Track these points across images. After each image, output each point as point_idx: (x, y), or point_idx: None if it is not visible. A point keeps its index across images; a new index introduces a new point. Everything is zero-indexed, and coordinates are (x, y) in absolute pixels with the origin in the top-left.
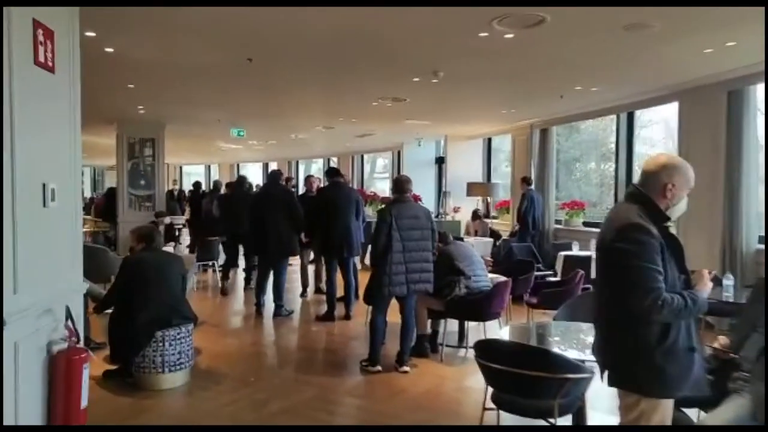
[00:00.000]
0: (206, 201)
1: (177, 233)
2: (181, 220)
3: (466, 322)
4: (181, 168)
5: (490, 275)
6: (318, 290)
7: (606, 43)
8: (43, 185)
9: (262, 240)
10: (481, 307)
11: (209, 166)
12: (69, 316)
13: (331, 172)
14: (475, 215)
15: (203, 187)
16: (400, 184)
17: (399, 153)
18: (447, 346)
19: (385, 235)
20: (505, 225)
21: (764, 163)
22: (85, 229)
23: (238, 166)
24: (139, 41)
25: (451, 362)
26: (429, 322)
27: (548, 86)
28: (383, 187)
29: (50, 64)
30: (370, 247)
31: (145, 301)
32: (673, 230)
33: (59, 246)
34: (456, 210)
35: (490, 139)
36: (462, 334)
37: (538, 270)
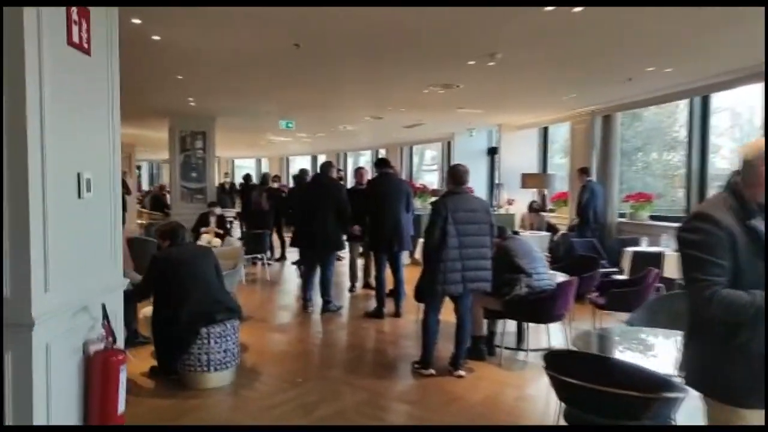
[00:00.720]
0: (255, 193)
1: (229, 225)
2: (231, 212)
3: (525, 323)
4: (233, 161)
5: (549, 272)
6: (366, 285)
7: (688, 15)
8: (78, 175)
9: (309, 233)
10: (544, 307)
11: (260, 160)
12: (105, 315)
13: (381, 163)
14: (531, 208)
15: (253, 180)
16: (458, 175)
17: (449, 144)
18: (505, 348)
19: (440, 230)
20: (561, 218)
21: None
22: (139, 222)
23: (287, 159)
24: (185, 29)
25: (510, 366)
26: (485, 322)
27: (616, 68)
28: (432, 180)
29: (86, 45)
30: (421, 240)
31: (184, 297)
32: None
33: (96, 240)
34: (510, 202)
35: (546, 128)
36: (521, 335)
37: (602, 267)
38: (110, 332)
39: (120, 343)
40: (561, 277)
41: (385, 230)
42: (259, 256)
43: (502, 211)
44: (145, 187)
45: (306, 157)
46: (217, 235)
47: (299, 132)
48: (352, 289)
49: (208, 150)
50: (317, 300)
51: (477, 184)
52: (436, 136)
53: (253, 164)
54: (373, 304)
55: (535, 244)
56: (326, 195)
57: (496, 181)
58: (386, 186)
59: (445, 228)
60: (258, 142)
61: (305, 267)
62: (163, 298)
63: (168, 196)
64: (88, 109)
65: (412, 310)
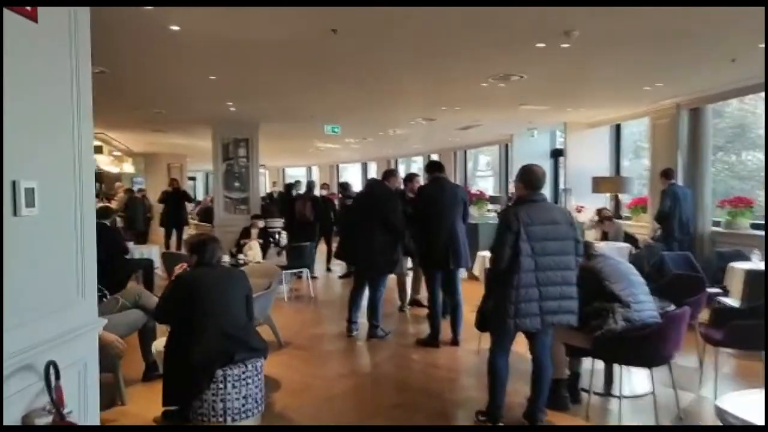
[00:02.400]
0: (299, 203)
1: (277, 236)
2: (278, 223)
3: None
4: (283, 170)
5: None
6: (415, 303)
7: None
8: (13, 184)
9: (352, 249)
10: (648, 347)
11: (310, 168)
12: (52, 376)
13: (432, 167)
14: (602, 215)
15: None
16: (534, 177)
17: (507, 146)
18: (594, 393)
19: (511, 248)
20: (640, 227)
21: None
22: (192, 232)
23: (337, 167)
24: (204, 14)
25: (602, 417)
26: (567, 361)
27: (721, 43)
28: (486, 186)
29: (28, 8)
30: (480, 254)
31: (199, 330)
32: None
33: (49, 272)
34: (579, 209)
35: (618, 126)
36: (610, 376)
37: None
38: (61, 399)
39: (78, 413)
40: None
41: (439, 244)
42: (302, 270)
43: None
44: (200, 197)
45: (356, 165)
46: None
47: (346, 137)
48: (402, 308)
49: (252, 158)
50: (363, 321)
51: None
52: (493, 138)
53: (304, 173)
54: (425, 327)
55: (626, 263)
56: (373, 206)
57: (563, 186)
58: (439, 193)
59: (517, 246)
60: (306, 149)
61: (353, 284)
62: (178, 328)
63: None
64: (33, 95)
65: (473, 337)
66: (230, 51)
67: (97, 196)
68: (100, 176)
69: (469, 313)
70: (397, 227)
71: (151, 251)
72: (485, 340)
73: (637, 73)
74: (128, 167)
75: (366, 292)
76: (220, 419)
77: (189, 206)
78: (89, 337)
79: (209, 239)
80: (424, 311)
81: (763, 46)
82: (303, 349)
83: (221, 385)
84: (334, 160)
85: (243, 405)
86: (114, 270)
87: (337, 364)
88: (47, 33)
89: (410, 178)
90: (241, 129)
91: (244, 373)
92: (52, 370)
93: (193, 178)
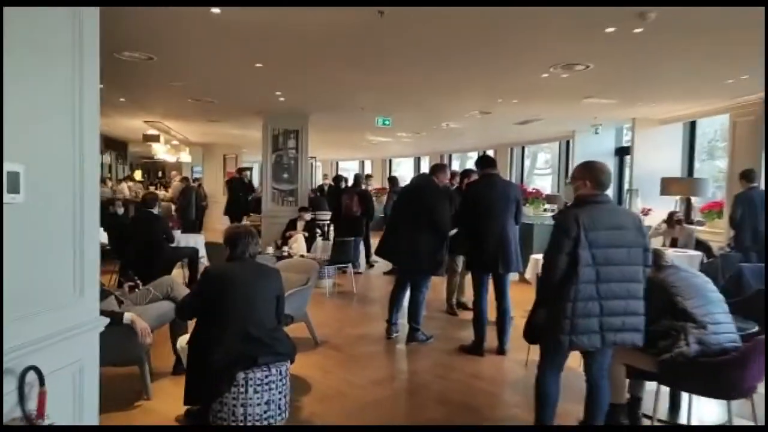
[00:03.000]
0: (346, 196)
1: (327, 229)
2: (327, 215)
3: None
4: (336, 163)
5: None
6: (459, 305)
7: None
8: None
9: (393, 246)
10: (726, 376)
11: (363, 162)
12: (21, 384)
13: (484, 162)
14: (672, 219)
15: (349, 182)
16: (600, 175)
17: (568, 143)
18: (658, 421)
19: (568, 255)
20: (713, 233)
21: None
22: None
23: (390, 161)
24: None
25: None
26: (627, 383)
27: None
28: (543, 185)
29: None
30: (533, 257)
31: (223, 329)
32: None
33: (39, 264)
34: (646, 212)
35: (693, 123)
36: (676, 402)
37: None
38: (42, 407)
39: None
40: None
41: (488, 246)
42: (345, 266)
43: None
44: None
45: (409, 160)
46: (305, 238)
47: (398, 131)
48: (450, 310)
49: (301, 149)
50: (404, 322)
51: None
52: (554, 134)
53: (356, 166)
54: (469, 333)
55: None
56: (418, 202)
57: (629, 187)
58: (489, 190)
59: (575, 253)
60: (358, 142)
61: (395, 283)
62: (202, 325)
63: None
64: (20, 69)
65: (521, 347)
66: (274, 36)
67: (153, 184)
68: (161, 165)
69: (518, 319)
70: (442, 226)
71: (197, 240)
72: (534, 352)
73: (721, 63)
74: (185, 156)
75: (408, 292)
76: (240, 423)
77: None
78: (88, 338)
79: (244, 232)
80: (468, 314)
81: None
82: (339, 349)
83: (242, 389)
84: (386, 154)
85: (265, 411)
86: (158, 258)
87: (373, 369)
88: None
89: (466, 174)
90: (291, 120)
91: (267, 377)
92: (32, 376)
93: (248, 169)
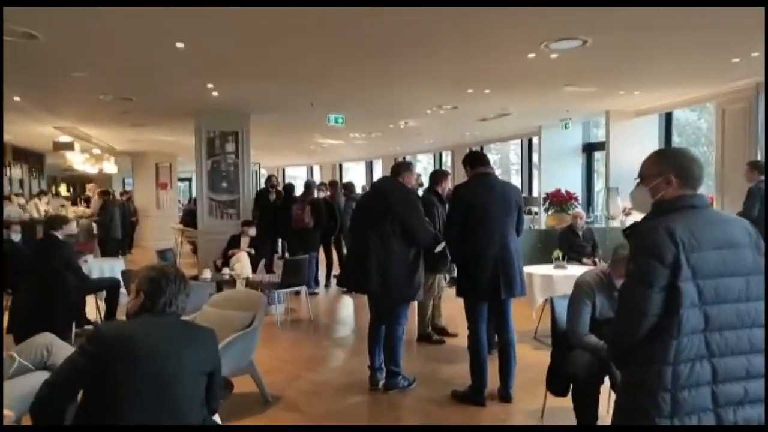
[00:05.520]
0: (297, 207)
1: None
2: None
3: None
4: (283, 170)
5: None
6: (437, 330)
7: None
8: None
9: (359, 269)
10: None
11: (311, 168)
12: None
13: (475, 159)
14: None
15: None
16: (689, 167)
17: (530, 141)
18: None
19: (662, 292)
20: None
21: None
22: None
23: (340, 166)
24: None
25: None
26: None
27: None
28: None
29: None
30: (534, 272)
31: (120, 426)
32: None
33: None
34: (627, 212)
35: (669, 115)
36: None
37: None
38: None
39: None
40: None
41: (485, 265)
42: (299, 289)
43: (616, 223)
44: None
45: (360, 165)
46: (250, 256)
47: (351, 131)
48: (426, 337)
49: (242, 154)
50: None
51: (572, 188)
52: (517, 131)
53: (305, 173)
54: (457, 368)
55: None
56: (383, 211)
57: (602, 186)
58: (486, 194)
59: (675, 288)
60: (306, 146)
61: (370, 318)
62: (85, 418)
63: None
64: None
65: (528, 389)
66: (192, 9)
67: (73, 199)
68: (87, 178)
69: (524, 351)
70: (421, 240)
71: (114, 268)
72: (551, 398)
73: (728, 38)
74: (110, 167)
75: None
76: None
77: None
78: None
79: (174, 274)
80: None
81: None
82: (295, 408)
83: None
84: (336, 158)
85: None
86: (58, 296)
87: None
88: None
89: (441, 175)
90: (229, 120)
91: None
92: None
93: (186, 179)
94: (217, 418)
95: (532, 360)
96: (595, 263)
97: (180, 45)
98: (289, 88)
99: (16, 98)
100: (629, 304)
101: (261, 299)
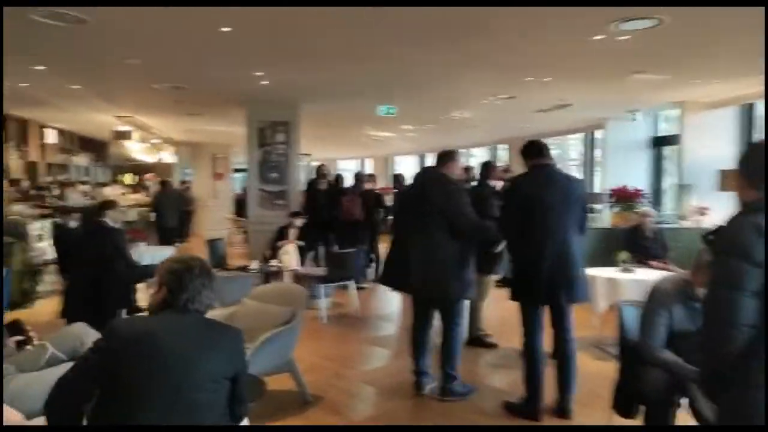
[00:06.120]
0: (347, 199)
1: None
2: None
3: None
4: (336, 163)
5: None
6: (477, 339)
7: None
8: None
9: (401, 266)
10: None
11: (363, 160)
12: None
13: (535, 149)
14: None
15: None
16: None
17: (592, 135)
18: None
19: (749, 301)
20: None
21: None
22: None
23: (392, 159)
24: None
25: None
26: None
27: None
28: None
29: None
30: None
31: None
32: None
33: None
34: (702, 212)
35: (751, 106)
36: None
37: None
38: None
39: None
40: None
41: (542, 265)
42: (345, 283)
43: (688, 223)
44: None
45: (412, 158)
46: (298, 248)
47: (403, 123)
48: (481, 340)
49: (292, 145)
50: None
51: (639, 185)
52: (579, 123)
53: (356, 166)
54: (504, 375)
55: None
56: (427, 204)
57: (676, 182)
58: (545, 188)
59: None
60: (357, 138)
61: (413, 320)
62: (99, 414)
63: None
64: None
65: (588, 403)
66: None
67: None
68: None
69: (584, 360)
70: (471, 235)
71: (164, 256)
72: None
73: None
74: (168, 156)
75: (434, 327)
76: None
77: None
78: None
79: (199, 268)
80: (509, 346)
81: None
82: (337, 411)
83: None
84: (388, 151)
85: None
86: (108, 281)
87: None
88: None
89: (493, 166)
90: (279, 111)
91: None
92: None
93: (242, 170)
94: (245, 419)
95: (593, 371)
96: (664, 267)
97: (226, 29)
98: (339, 76)
99: (76, 87)
100: (715, 314)
101: (303, 294)
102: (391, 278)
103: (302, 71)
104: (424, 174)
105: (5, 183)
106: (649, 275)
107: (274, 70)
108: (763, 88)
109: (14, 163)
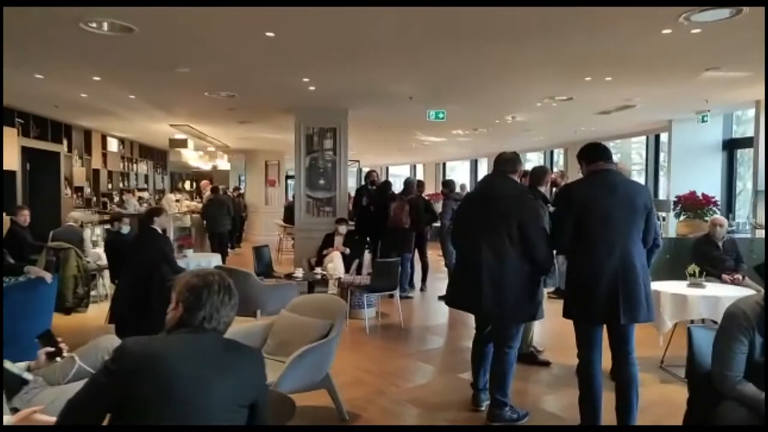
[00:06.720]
0: (395, 205)
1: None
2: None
3: None
4: (387, 169)
5: None
6: (529, 355)
7: None
8: None
9: (466, 285)
10: None
11: (414, 166)
12: None
13: (594, 152)
14: None
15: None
16: None
17: (657, 138)
18: None
19: None
20: None
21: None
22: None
23: (444, 165)
24: None
25: None
26: None
27: None
28: None
29: None
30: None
31: None
32: None
33: None
34: None
35: None
36: None
37: None
38: None
39: None
40: None
41: (600, 281)
42: (390, 293)
43: (762, 233)
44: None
45: (464, 164)
46: (344, 255)
47: (454, 128)
48: (530, 358)
49: (340, 151)
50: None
51: (709, 191)
52: (645, 125)
53: (407, 173)
54: (560, 395)
55: None
56: (497, 215)
57: (750, 188)
58: (605, 195)
59: None
60: (407, 144)
61: (475, 336)
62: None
63: None
64: None
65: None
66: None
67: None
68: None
69: (648, 383)
70: (540, 255)
71: (211, 262)
72: None
73: None
74: (223, 164)
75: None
76: None
77: None
78: None
79: (219, 284)
80: (564, 363)
81: None
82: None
83: None
84: (439, 157)
85: None
86: (153, 287)
87: None
88: None
89: (544, 173)
90: (327, 116)
91: None
92: None
93: (293, 177)
94: None
95: (658, 396)
96: (738, 280)
97: (270, 34)
98: (387, 81)
99: (132, 96)
100: None
101: (342, 307)
102: (458, 299)
103: (349, 77)
104: (496, 184)
105: (68, 190)
106: (720, 291)
107: (320, 76)
108: None
109: (78, 171)
